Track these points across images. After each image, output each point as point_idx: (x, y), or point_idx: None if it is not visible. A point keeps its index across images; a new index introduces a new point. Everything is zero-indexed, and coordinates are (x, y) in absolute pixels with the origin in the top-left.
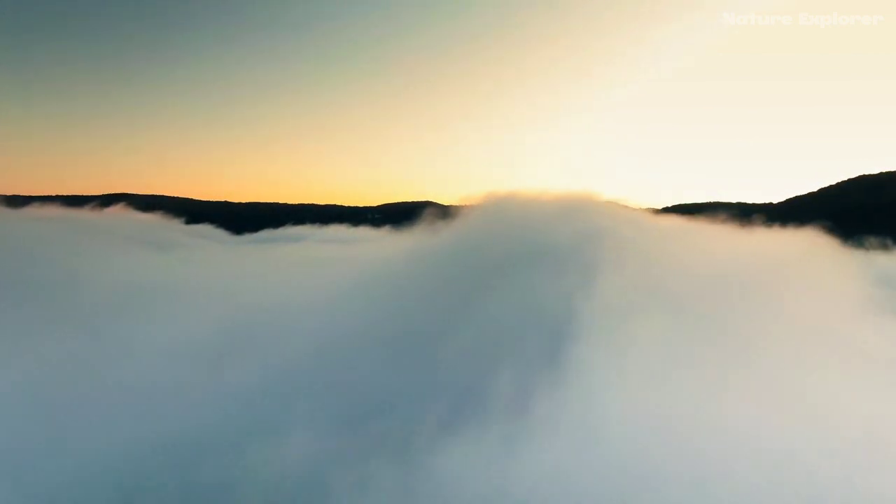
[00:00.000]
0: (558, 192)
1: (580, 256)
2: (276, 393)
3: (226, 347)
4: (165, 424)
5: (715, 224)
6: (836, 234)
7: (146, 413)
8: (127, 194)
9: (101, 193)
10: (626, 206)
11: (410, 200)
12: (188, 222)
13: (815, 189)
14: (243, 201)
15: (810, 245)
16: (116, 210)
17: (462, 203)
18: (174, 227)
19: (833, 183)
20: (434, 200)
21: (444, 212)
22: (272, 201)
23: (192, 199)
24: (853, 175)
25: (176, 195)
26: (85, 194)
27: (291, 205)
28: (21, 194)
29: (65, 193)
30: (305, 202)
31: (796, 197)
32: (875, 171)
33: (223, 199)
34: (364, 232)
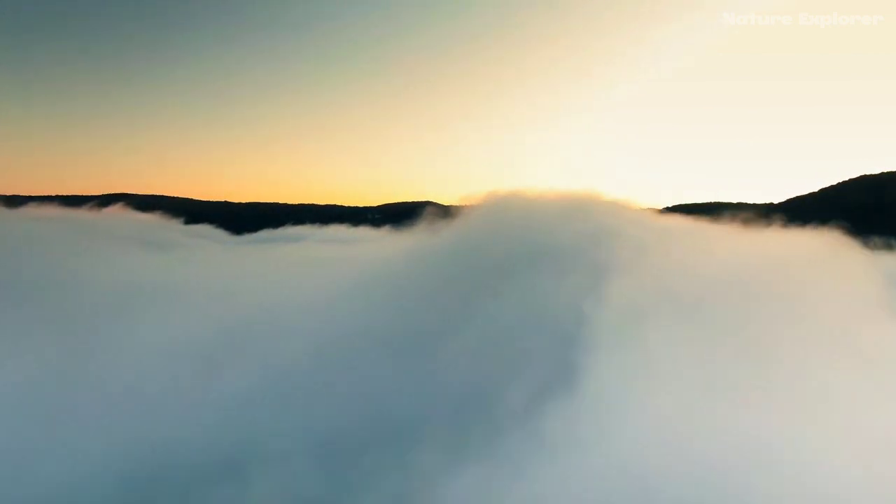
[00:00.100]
0: (560, 192)
1: (583, 257)
2: (275, 393)
3: (225, 347)
4: (164, 424)
5: (720, 224)
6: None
7: (145, 413)
8: (126, 194)
9: (99, 193)
10: (629, 206)
11: (410, 200)
12: (187, 222)
13: (815, 189)
14: (243, 201)
15: (823, 245)
16: (115, 210)
17: (462, 203)
18: (173, 227)
19: (834, 183)
20: (434, 200)
21: (444, 212)
22: (272, 201)
23: (191, 199)
24: (854, 175)
25: (175, 195)
26: (84, 194)
27: (291, 205)
28: (19, 194)
29: (63, 193)
30: (305, 202)
31: (797, 197)
32: (876, 171)
33: (222, 199)
34: (364, 232)
